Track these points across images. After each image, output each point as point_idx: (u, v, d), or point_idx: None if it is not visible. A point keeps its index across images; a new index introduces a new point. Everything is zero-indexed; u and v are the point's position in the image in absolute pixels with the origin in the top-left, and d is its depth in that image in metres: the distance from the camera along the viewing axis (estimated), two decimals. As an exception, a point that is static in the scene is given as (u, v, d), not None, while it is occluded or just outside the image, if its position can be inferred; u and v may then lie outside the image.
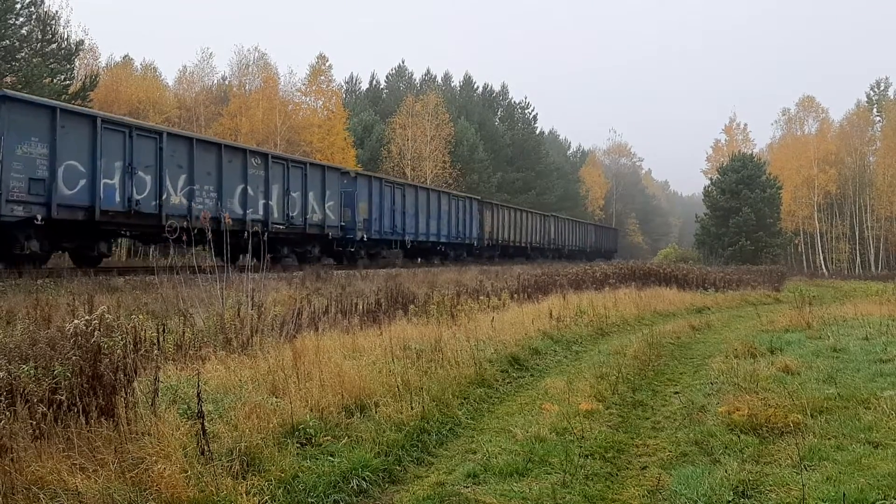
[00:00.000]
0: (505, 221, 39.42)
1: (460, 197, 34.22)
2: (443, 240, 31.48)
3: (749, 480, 4.63)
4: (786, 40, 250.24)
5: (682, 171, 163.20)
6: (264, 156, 20.29)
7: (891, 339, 10.00)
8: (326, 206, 22.72)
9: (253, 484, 4.11)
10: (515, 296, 14.44)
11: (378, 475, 4.80)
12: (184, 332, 6.88)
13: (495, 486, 4.64)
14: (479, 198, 37.77)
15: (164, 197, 16.48)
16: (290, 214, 20.88)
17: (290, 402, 5.26)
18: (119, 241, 21.67)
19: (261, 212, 19.66)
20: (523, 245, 42.46)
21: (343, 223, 23.63)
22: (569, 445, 5.40)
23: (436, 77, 64.13)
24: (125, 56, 46.53)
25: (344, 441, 5.08)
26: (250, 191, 19.30)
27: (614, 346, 10.55)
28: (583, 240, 56.26)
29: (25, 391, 3.98)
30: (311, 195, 21.88)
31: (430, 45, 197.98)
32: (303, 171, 21.76)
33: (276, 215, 20.27)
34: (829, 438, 5.47)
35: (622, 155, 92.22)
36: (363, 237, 24.64)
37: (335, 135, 42.04)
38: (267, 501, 4.03)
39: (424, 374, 6.93)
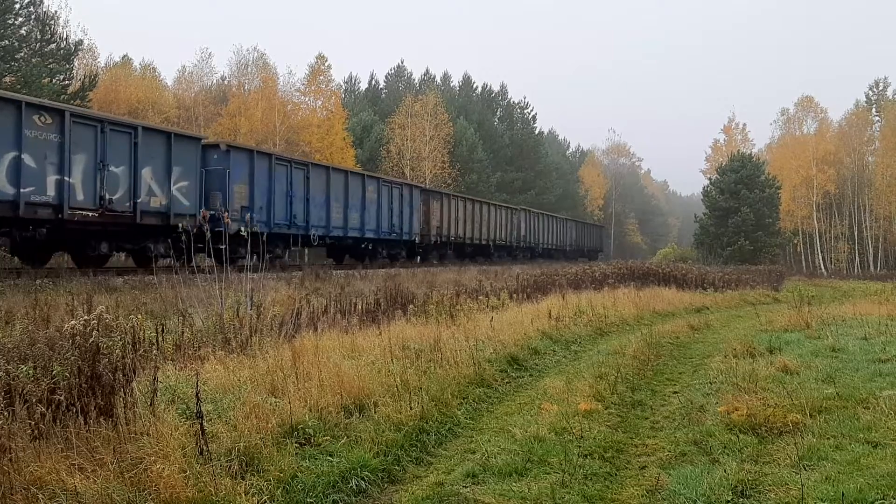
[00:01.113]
0: (459, 215, 33.64)
1: (394, 183, 28.27)
2: (369, 235, 25.38)
3: (748, 480, 4.63)
4: (785, 40, 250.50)
5: (681, 171, 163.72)
6: (59, 113, 14.13)
7: (889, 339, 10.01)
8: (175, 187, 16.73)
9: (252, 484, 4.11)
10: (514, 296, 14.45)
11: (377, 475, 4.80)
12: (183, 332, 6.88)
13: (494, 485, 4.64)
14: (423, 185, 33.42)
15: None
16: (108, 197, 14.90)
17: (289, 402, 5.25)
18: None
19: (51, 192, 13.78)
20: (484, 243, 36.92)
21: (211, 212, 17.44)
22: (568, 445, 5.40)
23: (435, 77, 64.18)
24: (124, 56, 46.61)
25: (343, 441, 5.08)
26: (30, 161, 13.32)
27: (613, 345, 10.55)
28: (560, 237, 50.80)
29: (24, 391, 3.98)
30: (145, 171, 15.88)
31: (430, 45, 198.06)
32: (131, 137, 15.66)
33: (80, 197, 14.39)
34: (827, 438, 5.47)
35: (621, 155, 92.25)
36: (241, 230, 17.91)
37: (334, 135, 42.04)
38: (266, 501, 4.02)
39: (423, 374, 6.92)
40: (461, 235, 34.07)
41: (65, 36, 31.40)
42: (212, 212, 17.50)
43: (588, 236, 59.42)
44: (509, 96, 66.43)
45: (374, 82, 63.59)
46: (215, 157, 18.46)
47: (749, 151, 55.62)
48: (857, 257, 54.80)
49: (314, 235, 21.99)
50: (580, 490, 4.62)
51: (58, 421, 4.02)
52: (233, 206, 18.20)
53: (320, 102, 44.38)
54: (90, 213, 14.75)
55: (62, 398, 4.09)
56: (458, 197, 35.01)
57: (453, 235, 33.11)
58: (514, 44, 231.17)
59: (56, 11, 36.00)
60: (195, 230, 13.17)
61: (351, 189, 24.18)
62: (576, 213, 69.74)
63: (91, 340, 4.28)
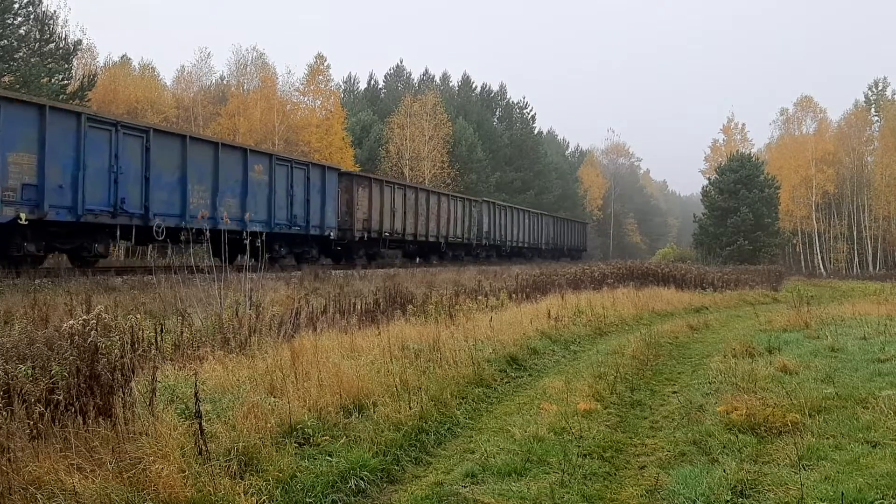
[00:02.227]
0: (396, 206, 28.02)
1: (297, 163, 22.05)
2: (256, 228, 18.30)
3: (747, 480, 4.63)
4: (784, 40, 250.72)
5: (680, 171, 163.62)
6: None
7: (889, 339, 10.01)
8: None
9: (251, 484, 4.10)
10: (514, 296, 14.44)
11: (376, 475, 4.79)
12: (182, 332, 6.87)
13: (493, 485, 4.64)
14: (342, 168, 27.52)
15: None
16: None
17: (289, 402, 5.25)
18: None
19: None
20: (433, 240, 31.50)
21: None
22: (567, 445, 5.40)
23: (434, 77, 64.19)
24: (123, 56, 46.69)
25: (342, 441, 5.07)
26: None
27: (613, 345, 10.56)
28: (534, 234, 45.66)
29: (23, 391, 3.97)
30: None
31: (429, 45, 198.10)
32: None
33: None
34: (827, 438, 5.47)
35: (620, 155, 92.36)
36: (19, 217, 12.92)
37: (333, 134, 42.04)
38: (265, 501, 4.02)
39: (423, 374, 6.92)
40: (399, 231, 28.33)
41: (64, 36, 31.38)
42: None
43: (569, 234, 54.92)
44: (508, 96, 66.51)
45: (373, 82, 63.62)
46: None
47: (748, 151, 55.64)
48: (856, 257, 54.84)
49: (158, 227, 16.14)
50: (579, 490, 4.62)
51: (56, 421, 4.02)
52: (4, 182, 12.94)
53: (319, 102, 44.40)
54: None
55: (61, 398, 4.09)
56: (395, 184, 29.41)
57: (388, 230, 27.34)
58: (513, 44, 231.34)
59: (55, 11, 36.00)
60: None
61: (225, 167, 18.24)
62: (575, 212, 69.72)
63: (90, 340, 4.27)
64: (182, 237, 16.62)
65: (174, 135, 17.69)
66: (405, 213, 28.91)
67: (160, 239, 16.69)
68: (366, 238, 25.97)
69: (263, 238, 17.15)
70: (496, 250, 39.93)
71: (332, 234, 23.27)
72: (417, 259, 32.30)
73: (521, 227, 43.46)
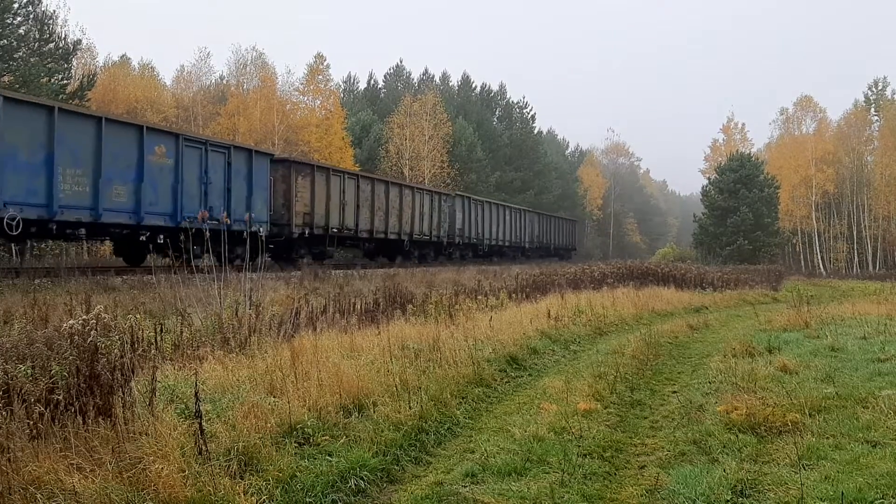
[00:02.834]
0: (347, 198, 24.56)
1: (217, 146, 18.63)
2: (154, 221, 16.41)
3: (747, 480, 4.63)
4: (784, 40, 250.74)
5: (680, 171, 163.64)
6: None
7: (888, 339, 10.01)
8: None
9: (251, 484, 4.10)
10: (514, 295, 14.44)
11: (376, 475, 4.79)
12: (181, 332, 6.87)
13: (493, 485, 4.63)
14: (275, 153, 23.30)
15: None
16: None
17: (288, 402, 5.25)
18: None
19: None
20: (394, 237, 28.10)
21: None
22: (567, 445, 5.40)
23: (434, 76, 64.13)
24: (123, 55, 46.62)
25: (342, 441, 5.07)
26: None
27: (612, 345, 10.55)
28: (516, 232, 42.35)
29: (22, 391, 3.97)
30: None
31: (429, 45, 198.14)
32: None
33: None
34: (827, 438, 5.47)
35: (620, 155, 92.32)
36: None
37: (333, 134, 42.02)
38: (265, 501, 4.02)
39: (423, 374, 6.92)
40: (351, 227, 24.85)
41: (63, 35, 31.32)
42: None
43: (557, 232, 51.66)
44: (508, 96, 66.42)
45: (372, 82, 63.57)
46: None
47: (748, 151, 55.66)
48: (855, 257, 54.84)
49: (12, 219, 13.07)
50: (579, 489, 4.62)
51: (56, 420, 4.01)
52: None
53: (319, 102, 44.38)
54: None
55: (60, 398, 4.09)
56: (346, 174, 25.54)
57: (336, 226, 23.75)
58: (513, 44, 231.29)
59: (54, 11, 36.02)
60: None
61: (111, 147, 15.19)
62: (574, 212, 69.70)
63: (89, 340, 4.27)
64: (54, 231, 14.50)
65: (36, 105, 14.12)
66: (359, 206, 25.22)
67: (15, 234, 13.24)
68: (307, 234, 22.12)
69: (166, 234, 16.08)
70: (472, 249, 36.56)
71: (261, 229, 18.47)
72: (377, 259, 29.08)
73: (502, 224, 40.07)
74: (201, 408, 4.36)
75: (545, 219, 49.37)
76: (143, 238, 16.43)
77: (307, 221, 22.26)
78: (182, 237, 15.63)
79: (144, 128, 16.38)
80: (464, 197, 35.97)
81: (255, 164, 19.68)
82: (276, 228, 20.99)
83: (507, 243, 41.00)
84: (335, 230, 23.92)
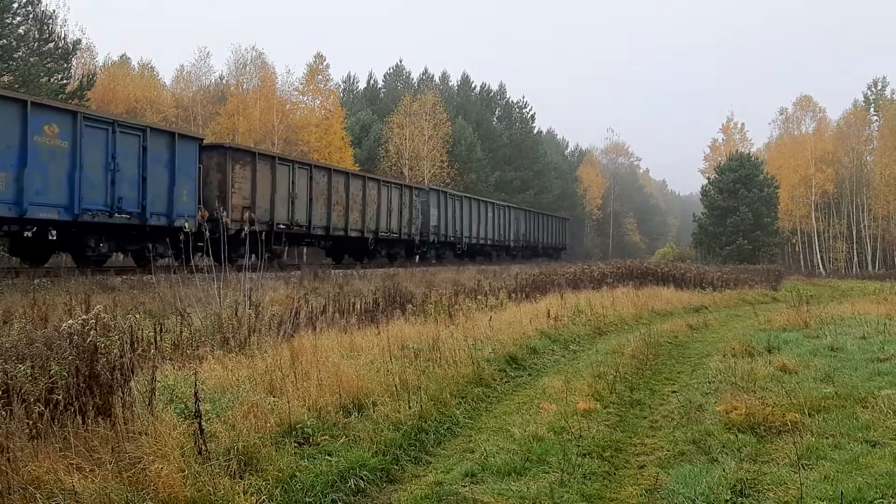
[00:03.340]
0: (299, 190, 21.95)
1: (130, 127, 16.34)
2: (50, 214, 14.16)
3: (747, 479, 4.63)
4: (784, 40, 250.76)
5: (679, 171, 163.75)
6: None
7: (888, 338, 10.02)
8: None
9: (250, 483, 4.10)
10: (513, 295, 14.44)
11: (376, 474, 4.79)
12: (181, 332, 6.87)
13: (493, 485, 4.64)
14: (204, 138, 19.93)
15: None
16: None
17: (288, 402, 5.25)
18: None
19: None
20: (355, 234, 25.38)
21: None
22: (566, 444, 5.40)
23: (433, 76, 64.12)
24: (122, 55, 46.63)
25: (342, 440, 5.07)
26: None
27: (612, 345, 10.55)
28: (501, 230, 39.86)
29: (22, 391, 3.97)
30: None
31: (428, 45, 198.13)
32: None
33: None
34: (826, 437, 5.47)
35: (620, 154, 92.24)
36: None
37: (333, 134, 42.02)
38: (264, 501, 4.02)
39: (422, 374, 6.92)
40: (303, 223, 22.14)
41: (63, 35, 31.36)
42: None
43: (546, 230, 48.95)
44: (508, 96, 66.42)
45: (372, 82, 63.56)
46: None
47: (748, 151, 55.64)
48: (855, 257, 54.86)
49: None
50: (579, 489, 4.62)
51: (56, 420, 4.02)
52: None
53: (319, 102, 44.40)
54: None
55: (60, 398, 4.09)
56: (297, 163, 22.71)
57: (284, 222, 21.17)
58: (513, 44, 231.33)
59: (54, 11, 36.04)
60: None
61: None
62: (574, 212, 69.65)
63: (89, 340, 4.27)
64: None
65: None
66: (312, 200, 22.42)
67: None
68: (246, 231, 18.49)
69: (60, 229, 14.09)
70: (450, 248, 34.03)
71: (186, 224, 16.65)
72: (342, 259, 26.83)
73: (484, 222, 37.38)
74: (201, 407, 4.36)
75: (533, 216, 46.61)
76: (28, 234, 14.16)
77: (246, 217, 19.28)
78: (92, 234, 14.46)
79: (29, 103, 13.78)
80: (439, 192, 33.26)
81: (179, 149, 17.05)
82: (209, 224, 17.66)
83: (489, 242, 38.37)
84: (282, 226, 21.05)
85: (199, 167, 18.12)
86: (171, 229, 16.62)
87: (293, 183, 21.70)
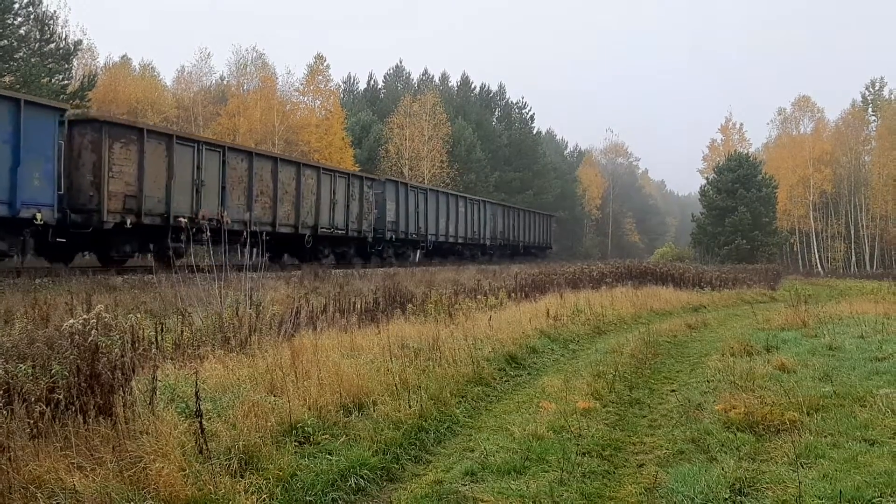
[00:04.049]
0: (208, 176, 18.31)
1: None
2: None
3: (746, 478, 4.64)
4: (782, 40, 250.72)
5: (678, 171, 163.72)
6: None
7: (886, 338, 10.03)
8: None
9: (251, 482, 4.11)
10: (513, 295, 14.45)
11: (376, 473, 4.81)
12: (182, 331, 6.88)
13: (493, 483, 4.65)
14: (68, 108, 16.25)
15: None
16: None
17: (289, 401, 5.26)
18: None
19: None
20: (290, 231, 21.79)
21: None
22: (566, 443, 5.41)
23: (433, 77, 64.19)
24: (123, 56, 46.67)
25: (342, 439, 5.08)
26: None
27: (611, 344, 10.56)
28: (475, 227, 36.46)
29: (23, 390, 3.98)
30: None
31: (428, 45, 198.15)
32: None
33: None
34: (825, 436, 5.48)
35: (619, 155, 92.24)
36: None
37: (333, 134, 42.05)
38: (265, 500, 4.03)
39: (422, 373, 6.93)
40: (213, 216, 17.96)
41: (64, 36, 31.40)
42: None
43: (530, 228, 45.47)
44: (507, 96, 66.57)
45: (372, 82, 63.63)
46: None
47: (746, 151, 55.74)
48: (853, 256, 54.92)
49: None
50: (578, 488, 4.63)
51: (57, 420, 4.02)
52: None
53: (319, 102, 44.44)
54: None
55: (61, 397, 4.10)
56: (205, 144, 18.75)
57: (184, 214, 17.37)
58: (512, 44, 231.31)
59: (55, 11, 35.97)
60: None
61: None
62: (573, 212, 69.64)
63: (90, 339, 4.28)
64: None
65: None
66: (224, 188, 18.61)
67: None
68: (131, 225, 15.98)
69: None
70: (412, 246, 30.53)
71: (38, 215, 13.41)
72: (279, 260, 22.60)
73: (453, 218, 33.57)
74: (202, 407, 4.37)
75: (513, 212, 43.01)
76: None
77: (132, 207, 16.13)
78: None
79: None
80: (398, 183, 29.68)
81: (26, 120, 13.39)
82: (79, 216, 15.10)
83: (460, 240, 34.73)
84: (182, 219, 17.02)
85: (61, 144, 14.57)
86: (13, 221, 13.39)
87: (199, 168, 17.89)
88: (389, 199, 28.11)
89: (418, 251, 31.25)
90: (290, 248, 23.19)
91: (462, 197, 36.29)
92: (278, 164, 21.44)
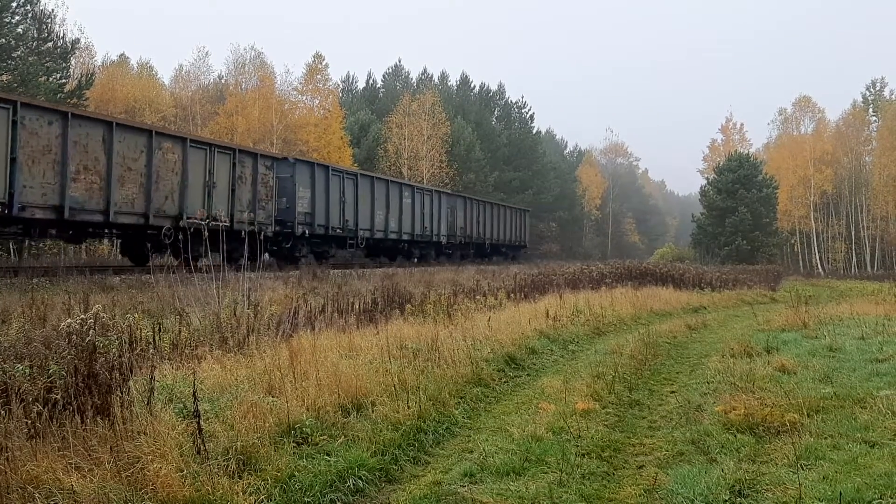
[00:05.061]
0: (30, 151, 13.80)
1: None
2: None
3: (746, 480, 4.63)
4: (782, 40, 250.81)
5: (678, 171, 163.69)
6: None
7: (886, 339, 10.02)
8: None
9: (249, 483, 4.10)
10: (512, 295, 14.44)
11: (374, 474, 4.79)
12: (180, 332, 6.86)
13: (492, 485, 4.63)
14: None
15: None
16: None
17: (287, 402, 5.24)
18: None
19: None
20: (140, 221, 16.64)
21: None
22: (565, 445, 5.40)
23: (432, 76, 64.19)
24: (121, 55, 46.61)
25: (340, 440, 5.07)
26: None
27: (611, 345, 10.55)
28: (428, 222, 31.09)
29: (20, 390, 3.97)
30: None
31: (428, 44, 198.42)
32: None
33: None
34: (825, 438, 5.47)
35: (619, 154, 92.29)
36: None
37: (332, 134, 42.03)
38: (263, 501, 4.02)
39: (421, 374, 6.92)
40: (2, 199, 13.34)
41: (61, 34, 31.33)
42: None
43: (499, 224, 39.83)
44: (507, 96, 66.53)
45: (371, 81, 63.58)
46: None
47: (746, 151, 55.77)
48: (854, 257, 54.93)
49: None
50: (578, 489, 4.62)
51: (54, 420, 4.01)
52: None
53: (318, 101, 44.44)
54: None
55: (59, 397, 4.08)
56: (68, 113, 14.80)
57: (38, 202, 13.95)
58: (512, 44, 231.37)
59: (53, 10, 36.01)
60: None
61: None
62: (573, 212, 69.62)
63: (87, 339, 4.26)
64: None
65: None
66: (19, 161, 13.61)
67: None
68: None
69: None
70: (337, 244, 25.11)
71: None
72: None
73: (396, 210, 28.30)
74: (199, 407, 4.36)
75: (477, 206, 37.31)
76: None
77: None
78: None
79: None
80: (313, 165, 23.68)
81: None
82: None
83: (405, 236, 29.37)
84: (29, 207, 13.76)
85: None
86: None
87: (12, 138, 13.48)
88: (302, 185, 22.43)
89: (346, 250, 25.96)
90: (138, 243, 17.92)
91: (408, 186, 30.99)
92: (114, 131, 15.85)
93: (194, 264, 10.46)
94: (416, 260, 30.89)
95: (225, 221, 17.59)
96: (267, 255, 21.04)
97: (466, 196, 37.83)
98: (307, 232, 22.76)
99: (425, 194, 31.69)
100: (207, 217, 17.23)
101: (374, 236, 27.07)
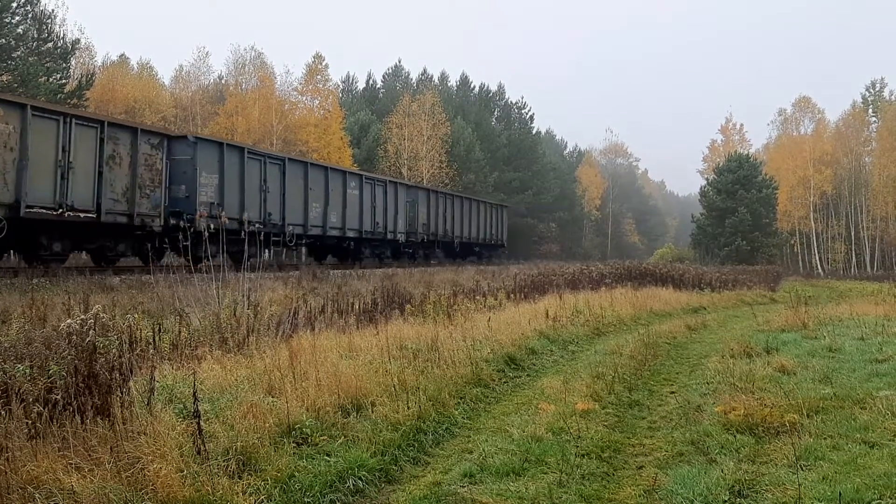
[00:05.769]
0: None
1: None
2: None
3: (745, 480, 4.63)
4: (782, 41, 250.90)
5: (678, 172, 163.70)
6: None
7: (886, 339, 10.02)
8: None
9: (249, 483, 4.10)
10: (512, 296, 14.44)
11: (374, 475, 4.79)
12: (180, 332, 6.86)
13: (492, 485, 4.64)
14: None
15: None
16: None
17: (287, 402, 5.24)
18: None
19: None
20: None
21: None
22: (565, 445, 5.40)
23: (432, 77, 64.17)
24: (121, 55, 46.64)
25: (340, 441, 5.07)
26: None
27: (611, 345, 10.55)
28: (382, 217, 27.51)
29: (21, 390, 3.97)
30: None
31: (427, 44, 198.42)
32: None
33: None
34: (825, 438, 5.47)
35: (619, 155, 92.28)
36: None
37: (331, 134, 42.04)
38: (263, 501, 4.02)
39: (421, 374, 6.92)
40: None
41: (62, 35, 31.40)
42: None
43: (472, 221, 36.02)
44: (507, 96, 66.53)
45: (371, 82, 63.58)
46: None
47: (746, 151, 55.81)
48: (853, 257, 54.93)
49: None
50: (577, 490, 4.62)
51: (54, 420, 4.01)
52: None
53: (318, 102, 44.45)
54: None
55: (59, 397, 4.08)
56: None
57: None
58: (512, 44, 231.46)
59: (53, 10, 36.00)
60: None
61: None
62: (573, 213, 69.62)
63: (88, 340, 4.27)
64: None
65: None
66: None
67: None
68: None
69: None
70: (266, 241, 20.63)
71: None
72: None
73: (338, 203, 24.50)
74: (199, 408, 4.36)
75: (445, 200, 33.18)
76: None
77: None
78: None
79: None
80: (223, 146, 19.45)
81: None
82: None
83: (351, 233, 25.48)
84: None
85: None
86: None
87: None
88: (206, 170, 18.30)
89: (271, 248, 22.47)
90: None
91: (354, 174, 26.47)
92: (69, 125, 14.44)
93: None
94: (366, 260, 27.20)
95: (89, 212, 15.15)
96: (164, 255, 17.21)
97: (430, 188, 34.19)
98: (210, 225, 14.55)
99: (377, 185, 27.59)
100: (61, 207, 14.48)
101: (309, 233, 23.01)
